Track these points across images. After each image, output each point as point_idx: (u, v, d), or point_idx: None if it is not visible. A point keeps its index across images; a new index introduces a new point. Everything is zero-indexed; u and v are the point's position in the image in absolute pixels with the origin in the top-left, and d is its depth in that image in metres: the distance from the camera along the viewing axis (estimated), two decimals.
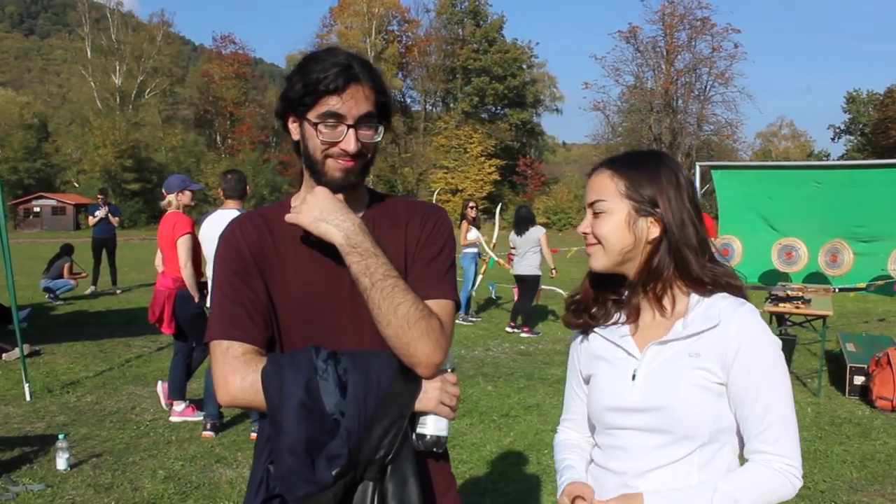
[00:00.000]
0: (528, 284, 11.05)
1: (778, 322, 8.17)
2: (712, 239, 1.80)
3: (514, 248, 11.12)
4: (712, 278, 1.71)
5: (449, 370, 1.72)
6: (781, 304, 7.75)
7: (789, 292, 8.18)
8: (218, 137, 66.72)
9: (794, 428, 1.65)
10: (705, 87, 55.27)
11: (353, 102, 1.66)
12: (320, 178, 1.71)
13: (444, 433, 1.69)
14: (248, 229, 1.77)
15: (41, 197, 55.67)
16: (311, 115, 1.67)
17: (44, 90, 75.93)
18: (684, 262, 1.70)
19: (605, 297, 1.84)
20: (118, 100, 62.13)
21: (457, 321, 11.91)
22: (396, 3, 63.93)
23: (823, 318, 7.66)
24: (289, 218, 1.68)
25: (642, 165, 1.75)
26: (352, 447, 1.53)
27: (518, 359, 9.16)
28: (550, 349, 9.73)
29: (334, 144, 1.67)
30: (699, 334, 1.66)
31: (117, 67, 62.22)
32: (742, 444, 1.70)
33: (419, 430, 1.68)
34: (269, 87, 69.92)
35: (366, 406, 1.56)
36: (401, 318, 1.59)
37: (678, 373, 1.66)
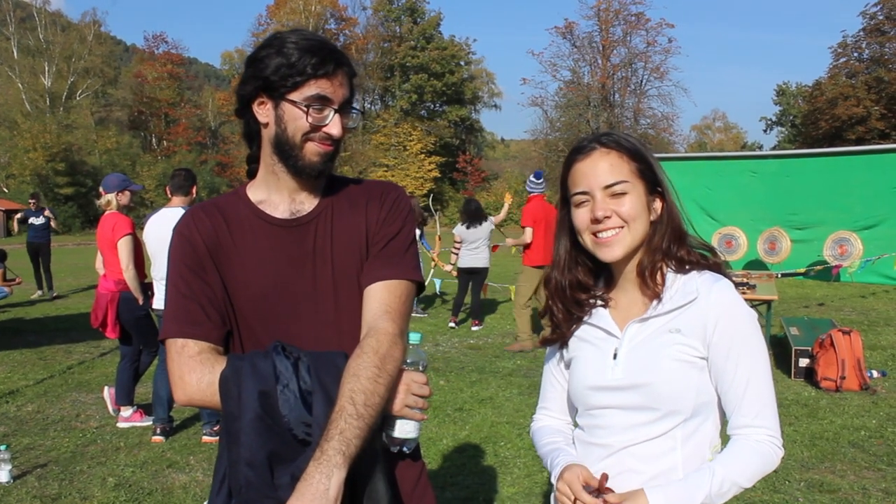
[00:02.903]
0: (480, 276, 11.05)
1: None
2: None
3: (460, 241, 11.07)
4: (698, 256, 1.73)
5: (420, 369, 1.68)
6: (728, 277, 7.88)
7: (734, 279, 8.32)
8: (153, 139, 65.40)
9: (772, 399, 1.67)
10: (641, 81, 56.25)
11: (339, 87, 1.66)
12: (296, 161, 1.67)
13: (411, 435, 1.66)
14: (201, 220, 1.72)
15: None
16: (296, 97, 1.62)
17: None
18: (680, 240, 1.72)
19: (583, 298, 1.81)
20: (48, 101, 60.34)
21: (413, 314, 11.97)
22: (334, 1, 63.50)
23: (769, 302, 7.82)
24: None
25: (637, 145, 1.72)
26: None
27: (468, 353, 9.15)
28: (500, 343, 9.74)
29: (319, 128, 1.64)
30: (678, 309, 1.67)
31: (46, 68, 60.42)
32: (723, 417, 1.71)
33: (387, 431, 1.64)
34: (205, 86, 68.82)
35: None
36: (382, 387, 1.55)
37: (659, 349, 1.67)
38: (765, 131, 74.67)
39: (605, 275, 1.83)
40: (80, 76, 61.73)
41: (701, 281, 1.68)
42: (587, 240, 1.72)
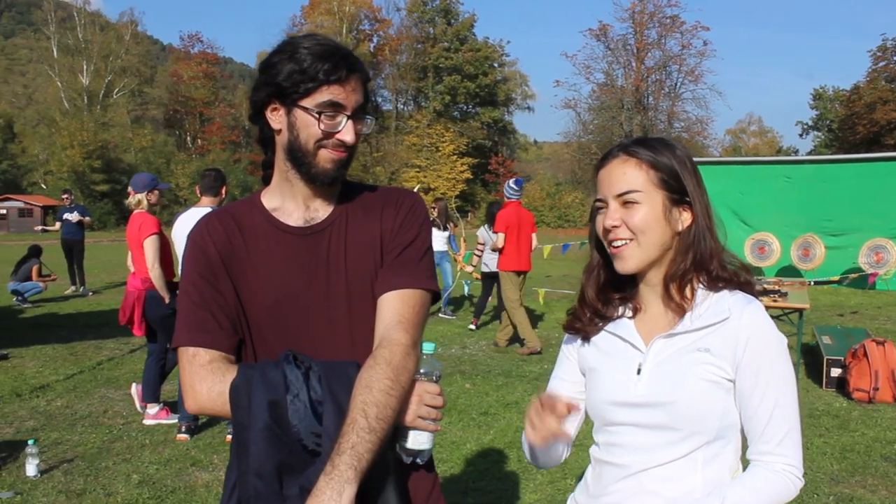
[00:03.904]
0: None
1: None
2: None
3: (483, 243, 11.04)
4: (731, 273, 1.66)
5: (434, 379, 1.65)
6: (758, 298, 7.76)
7: (766, 286, 8.20)
8: (188, 138, 66.17)
9: (797, 428, 1.60)
10: (675, 84, 55.88)
11: (352, 93, 1.63)
12: (309, 169, 1.65)
13: (424, 446, 1.62)
14: (215, 227, 1.70)
15: (7, 199, 54.80)
16: (308, 103, 1.60)
17: (9, 90, 74.64)
18: (711, 253, 1.65)
19: (610, 298, 1.76)
20: (86, 100, 61.34)
21: (440, 315, 11.93)
22: (368, 2, 63.82)
23: (800, 311, 7.69)
24: None
25: (664, 153, 1.65)
26: None
27: (495, 356, 9.11)
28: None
29: (332, 135, 1.62)
30: (709, 328, 1.60)
31: (84, 67, 61.41)
32: (744, 441, 1.65)
33: (400, 442, 1.61)
34: (239, 86, 69.42)
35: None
36: (395, 399, 1.52)
37: (686, 367, 1.60)
38: (801, 136, 73.64)
39: (632, 282, 1.77)
40: (117, 75, 62.67)
41: (733, 301, 1.62)
42: (608, 248, 1.68)
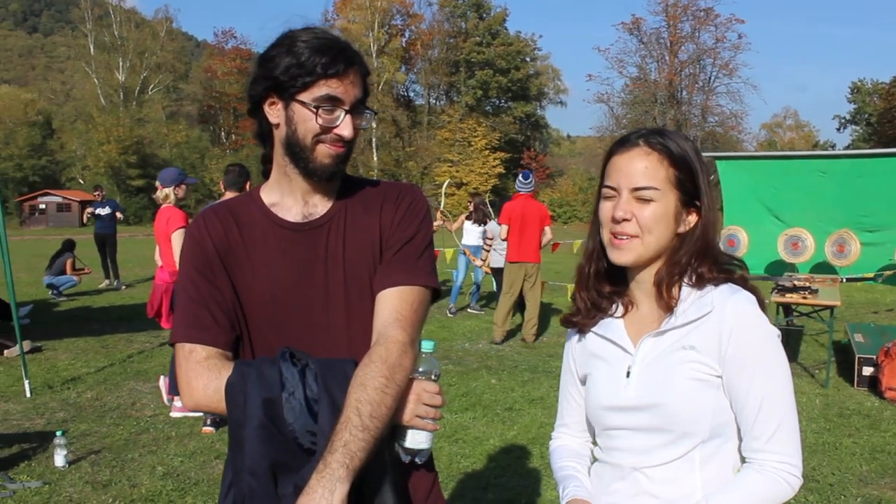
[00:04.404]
0: None
1: (785, 313, 8.08)
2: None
3: (491, 238, 11.07)
4: (721, 273, 1.61)
5: (433, 378, 1.63)
6: (788, 295, 7.66)
7: (796, 282, 8.08)
8: (222, 133, 66.75)
9: (791, 422, 1.54)
10: (709, 77, 55.25)
11: (350, 87, 1.61)
12: (307, 164, 1.63)
13: (423, 446, 1.61)
14: (212, 222, 1.70)
15: (46, 194, 55.80)
16: (305, 97, 1.59)
17: (48, 87, 75.95)
18: (704, 256, 1.61)
19: (606, 291, 1.73)
20: (122, 96, 62.20)
21: (468, 310, 11.90)
22: None
23: (831, 308, 7.57)
24: None
25: (686, 150, 1.60)
26: None
27: (522, 351, 9.09)
28: (555, 341, 9.65)
29: (329, 130, 1.61)
30: (692, 323, 1.57)
31: (120, 64, 62.26)
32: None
33: (399, 441, 1.60)
34: None
35: None
36: (390, 398, 1.51)
37: (672, 368, 1.57)
38: (838, 130, 72.76)
39: (624, 276, 1.74)
40: (152, 71, 63.44)
41: (717, 293, 1.57)
42: (604, 236, 1.64)
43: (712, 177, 18.89)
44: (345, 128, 1.61)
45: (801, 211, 15.52)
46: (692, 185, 1.60)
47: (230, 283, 1.66)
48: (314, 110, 1.59)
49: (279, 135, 1.66)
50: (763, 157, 19.66)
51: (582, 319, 1.75)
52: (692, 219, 1.62)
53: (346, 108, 1.61)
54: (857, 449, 5.47)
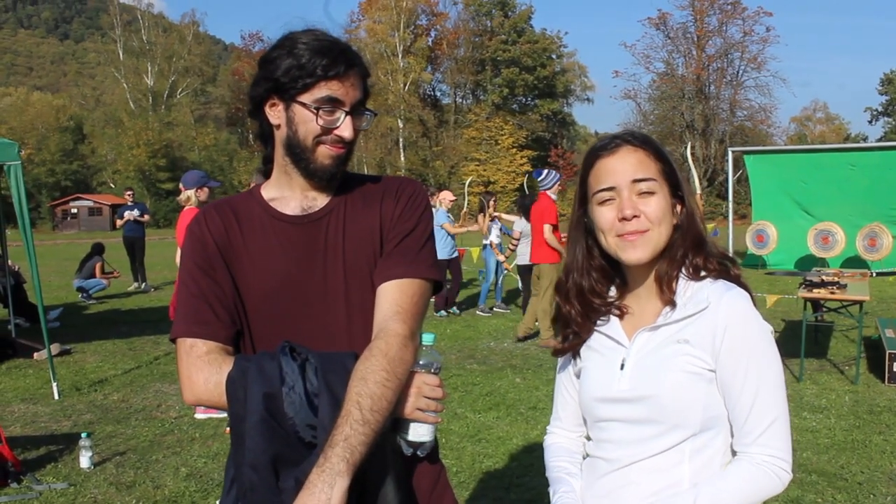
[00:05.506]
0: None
1: (813, 308, 7.95)
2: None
3: (518, 236, 10.97)
4: (716, 265, 1.62)
5: (433, 371, 1.63)
6: (815, 290, 7.53)
7: (824, 277, 7.95)
8: (250, 135, 67.19)
9: (783, 418, 1.55)
10: (738, 72, 54.78)
11: (351, 88, 1.63)
12: (308, 164, 1.65)
13: (425, 439, 1.61)
14: (212, 218, 1.71)
15: (78, 198, 56.57)
16: (306, 99, 1.60)
17: (78, 93, 77.19)
18: (698, 247, 1.62)
19: (593, 304, 1.71)
20: (150, 100, 62.94)
21: (494, 310, 11.88)
22: None
23: (860, 303, 7.44)
24: None
25: (660, 147, 1.64)
26: None
27: (548, 350, 9.04)
28: None
29: (330, 131, 1.62)
30: (688, 318, 1.57)
31: (149, 68, 63.01)
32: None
33: (401, 434, 1.60)
34: None
35: None
36: (390, 391, 1.51)
37: (665, 360, 1.58)
38: (870, 122, 71.56)
39: (619, 281, 1.73)
40: (180, 75, 64.12)
41: (713, 289, 1.58)
42: (610, 241, 1.61)
43: (740, 171, 18.67)
44: (345, 129, 1.62)
45: (831, 205, 15.27)
46: (674, 177, 1.63)
47: (230, 278, 1.67)
48: (315, 112, 1.60)
49: (280, 136, 1.67)
50: (792, 151, 19.41)
51: (579, 339, 1.74)
52: (679, 209, 1.64)
53: (347, 109, 1.62)
54: (888, 447, 5.37)
